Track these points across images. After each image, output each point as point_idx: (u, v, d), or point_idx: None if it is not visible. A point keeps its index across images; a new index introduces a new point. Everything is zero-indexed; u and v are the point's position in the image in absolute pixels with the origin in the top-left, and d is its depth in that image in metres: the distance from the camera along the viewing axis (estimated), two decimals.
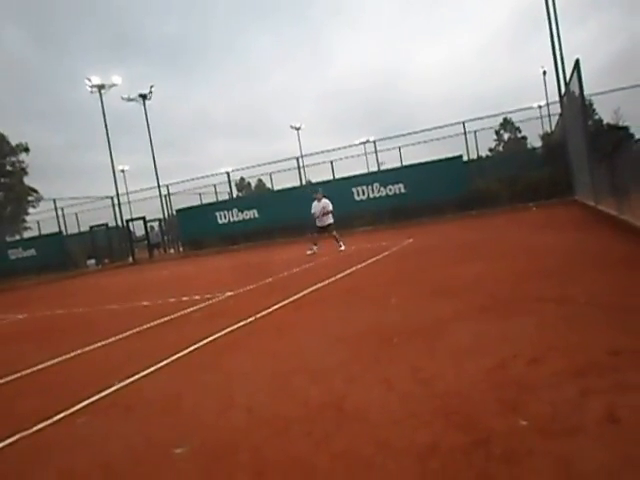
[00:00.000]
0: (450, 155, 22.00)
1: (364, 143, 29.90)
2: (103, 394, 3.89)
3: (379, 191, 22.71)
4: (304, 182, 25.60)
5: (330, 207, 13.92)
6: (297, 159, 25.75)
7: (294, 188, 24.87)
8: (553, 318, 4.04)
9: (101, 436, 3.13)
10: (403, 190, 22.34)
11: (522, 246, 9.17)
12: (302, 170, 25.60)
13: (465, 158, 22.51)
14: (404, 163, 25.06)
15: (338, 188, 21.82)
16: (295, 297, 7.04)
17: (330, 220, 13.92)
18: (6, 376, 4.99)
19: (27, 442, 3.19)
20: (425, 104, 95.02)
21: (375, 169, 25.81)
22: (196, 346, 5.00)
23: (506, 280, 6.00)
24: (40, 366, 5.23)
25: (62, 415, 3.55)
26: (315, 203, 14.13)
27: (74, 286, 17.91)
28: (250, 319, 5.92)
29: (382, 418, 2.68)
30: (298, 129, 55.20)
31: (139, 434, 3.06)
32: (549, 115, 26.23)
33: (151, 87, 37.19)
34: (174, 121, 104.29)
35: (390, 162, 26.42)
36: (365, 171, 25.29)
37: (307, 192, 23.53)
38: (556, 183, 19.38)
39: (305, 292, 7.35)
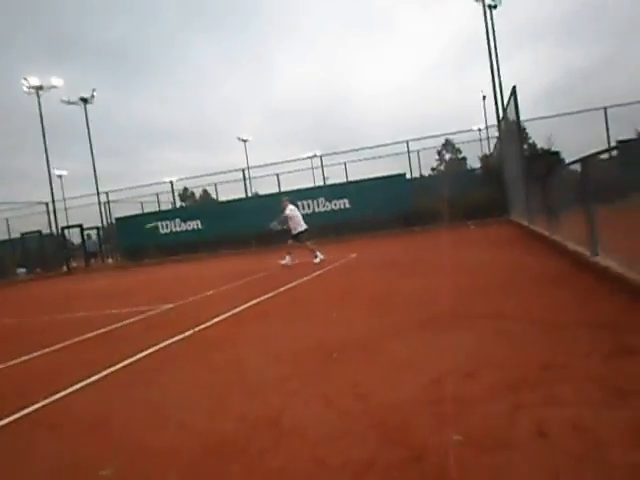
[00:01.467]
0: (394, 172, 22.52)
1: (311, 158, 30.10)
2: (26, 411, 3.65)
3: (324, 205, 22.90)
4: (250, 194, 25.45)
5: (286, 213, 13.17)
6: (243, 171, 25.61)
7: (240, 200, 24.67)
8: (489, 333, 4.15)
9: (24, 457, 2.92)
10: (348, 205, 22.64)
11: (461, 263, 9.45)
12: (248, 182, 25.46)
13: (408, 176, 23.10)
14: (349, 179, 25.40)
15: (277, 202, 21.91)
16: (236, 310, 6.92)
17: (291, 228, 13.18)
18: None
19: None
20: (369, 121, 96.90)
21: (320, 183, 26.00)
22: (130, 360, 4.80)
23: (445, 295, 6.14)
24: None
25: None
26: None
27: (1, 296, 16.90)
28: (189, 332, 5.76)
29: (319, 434, 2.64)
30: (245, 141, 54.89)
31: (65, 454, 2.88)
32: (488, 138, 27.36)
33: (93, 90, 35.98)
34: (116, 128, 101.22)
35: (335, 177, 26.70)
36: (311, 185, 25.43)
37: (252, 204, 23.45)
38: (493, 203, 20.21)
39: (246, 305, 7.24)
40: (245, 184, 25.31)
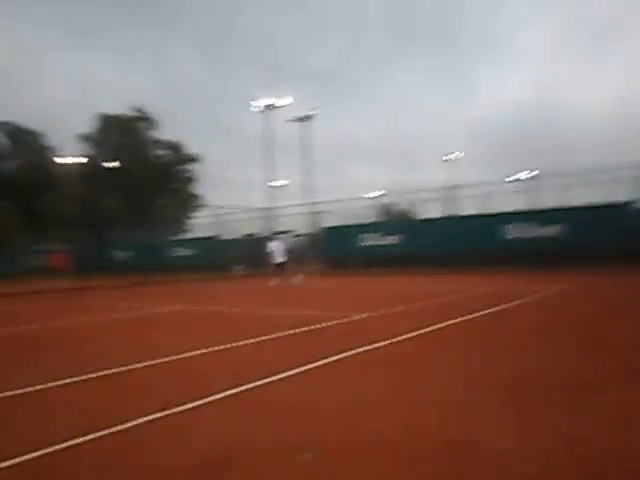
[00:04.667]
0: (617, 200, 19.86)
1: (519, 180, 28.37)
2: (235, 390, 4.12)
3: (533, 231, 21.24)
4: (449, 213, 24.98)
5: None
6: (445, 190, 25.28)
7: (439, 218, 24.37)
8: None
9: (228, 429, 3.30)
10: (561, 232, 20.65)
11: None
12: (449, 201, 25.04)
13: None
14: (563, 204, 23.18)
15: (485, 223, 21.03)
16: (432, 328, 6.85)
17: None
18: (149, 360, 5.52)
19: (166, 422, 3.48)
20: (585, 142, 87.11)
21: (528, 208, 24.24)
22: (330, 359, 5.09)
23: None
24: (180, 355, 5.72)
25: (196, 403, 3.81)
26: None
27: (223, 287, 19.35)
28: (384, 342, 5.89)
29: (520, 468, 2.48)
30: (446, 160, 54.14)
31: (268, 432, 3.18)
32: None
33: (314, 110, 39.31)
34: (322, 144, 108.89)
35: (545, 202, 24.58)
36: (517, 209, 23.85)
37: (452, 224, 22.97)
38: None
39: (443, 324, 7.12)
40: (445, 203, 24.94)
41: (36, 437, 3.22)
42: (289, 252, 18.84)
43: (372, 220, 29.73)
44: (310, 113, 39.08)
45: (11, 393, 4.37)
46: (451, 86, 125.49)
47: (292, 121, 39.18)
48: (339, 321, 7.89)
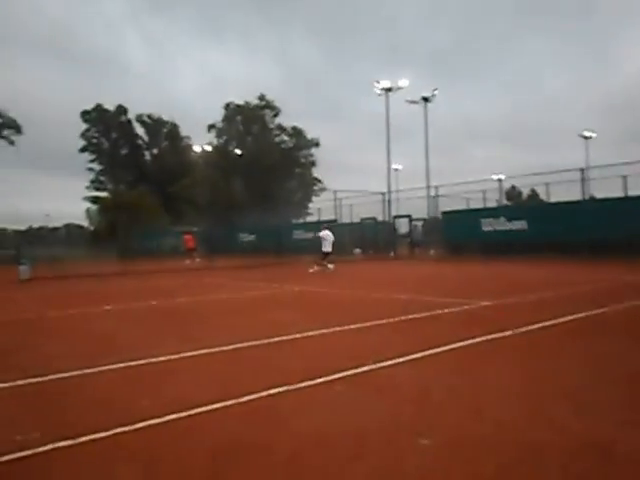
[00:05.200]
0: None
1: None
2: (358, 370, 4.20)
3: None
4: (586, 196, 22.98)
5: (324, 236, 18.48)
6: (581, 171, 23.26)
7: (573, 202, 22.53)
8: None
9: (354, 407, 3.38)
10: None
11: None
12: (586, 183, 23.03)
13: None
14: None
15: (633, 207, 19.16)
16: (563, 319, 6.42)
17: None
18: (272, 337, 5.79)
19: (291, 395, 3.64)
20: None
21: None
22: (449, 347, 5.00)
23: None
24: (304, 334, 5.93)
25: (322, 380, 3.95)
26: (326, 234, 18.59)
27: (342, 270, 19.68)
28: (507, 333, 5.64)
29: None
30: (587, 138, 49.67)
31: (388, 415, 3.22)
32: None
33: (434, 90, 38.23)
34: (442, 126, 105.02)
35: None
36: None
37: (587, 208, 21.15)
38: None
39: (577, 315, 6.64)
40: (582, 185, 22.97)
41: (181, 399, 3.55)
42: (334, 243, 18.81)
43: (495, 204, 28.39)
44: (429, 94, 38.07)
45: (164, 358, 4.85)
46: (583, 62, 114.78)
47: (412, 102, 38.44)
48: (462, 307, 7.69)
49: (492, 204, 28.60)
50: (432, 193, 30.21)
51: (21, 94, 79.89)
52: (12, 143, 35.97)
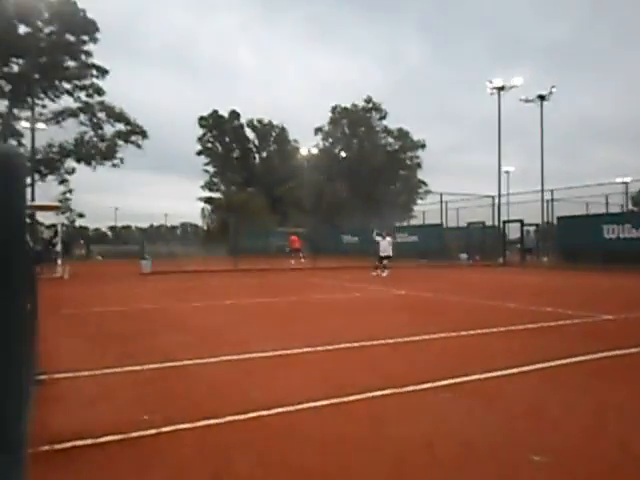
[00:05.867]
0: None
1: None
2: (466, 379, 4.08)
3: None
4: None
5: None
6: None
7: None
8: None
9: (462, 416, 3.30)
10: None
11: None
12: None
13: None
14: None
15: None
16: None
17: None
18: (376, 339, 5.78)
19: (396, 398, 3.63)
20: None
21: None
22: (565, 361, 4.70)
23: None
24: (408, 338, 5.87)
25: (428, 385, 3.90)
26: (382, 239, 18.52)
27: (448, 276, 19.20)
28: (631, 350, 5.19)
29: None
30: None
31: (498, 427, 3.10)
32: None
33: (552, 87, 36.06)
34: (555, 124, 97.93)
35: None
36: None
37: None
38: None
39: None
40: None
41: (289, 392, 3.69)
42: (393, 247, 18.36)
43: (619, 209, 26.17)
44: (546, 92, 35.96)
45: (273, 354, 5.07)
46: None
47: (527, 101, 36.56)
48: (582, 320, 7.19)
49: (615, 209, 26.39)
50: (547, 197, 28.47)
51: (145, 102, 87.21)
52: (139, 147, 39.27)
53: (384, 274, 17.58)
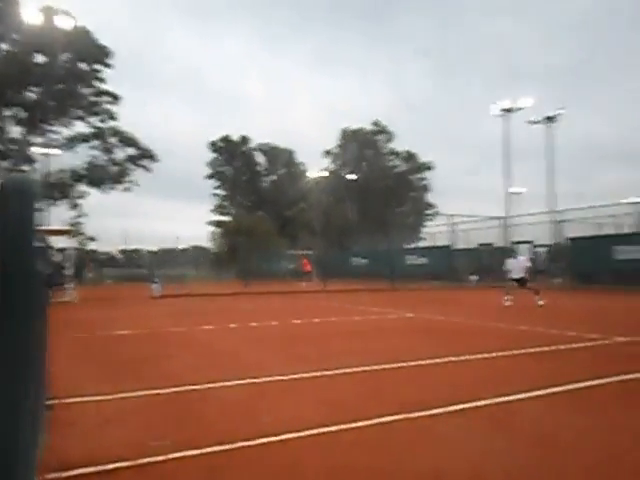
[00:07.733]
0: None
1: None
2: (477, 404, 4.02)
3: None
4: None
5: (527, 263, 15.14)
6: None
7: None
8: None
9: (473, 444, 3.23)
10: None
11: None
12: None
13: None
14: None
15: None
16: None
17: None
18: (386, 363, 5.73)
19: (406, 424, 3.58)
20: None
21: None
22: (578, 385, 4.61)
23: None
24: (417, 362, 5.81)
25: (438, 410, 3.84)
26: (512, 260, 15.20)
27: (455, 298, 19.06)
28: None
29: None
30: None
31: (510, 456, 3.03)
32: None
33: (558, 109, 36.21)
34: (561, 146, 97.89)
35: None
36: None
37: None
38: None
39: None
40: None
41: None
42: (528, 268, 14.84)
43: (630, 230, 25.95)
44: (552, 114, 36.07)
45: (284, 377, 5.04)
46: None
47: (534, 123, 36.70)
48: (595, 343, 7.09)
49: (626, 230, 26.17)
50: (556, 218, 28.34)
51: (156, 129, 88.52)
52: (148, 170, 39.83)
53: (540, 302, 13.68)
